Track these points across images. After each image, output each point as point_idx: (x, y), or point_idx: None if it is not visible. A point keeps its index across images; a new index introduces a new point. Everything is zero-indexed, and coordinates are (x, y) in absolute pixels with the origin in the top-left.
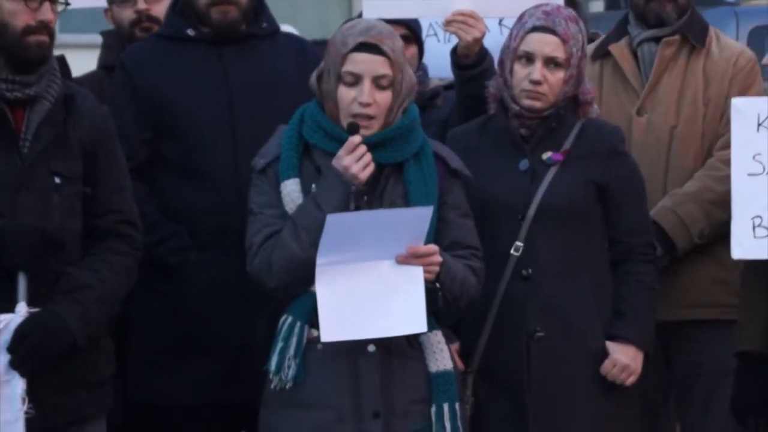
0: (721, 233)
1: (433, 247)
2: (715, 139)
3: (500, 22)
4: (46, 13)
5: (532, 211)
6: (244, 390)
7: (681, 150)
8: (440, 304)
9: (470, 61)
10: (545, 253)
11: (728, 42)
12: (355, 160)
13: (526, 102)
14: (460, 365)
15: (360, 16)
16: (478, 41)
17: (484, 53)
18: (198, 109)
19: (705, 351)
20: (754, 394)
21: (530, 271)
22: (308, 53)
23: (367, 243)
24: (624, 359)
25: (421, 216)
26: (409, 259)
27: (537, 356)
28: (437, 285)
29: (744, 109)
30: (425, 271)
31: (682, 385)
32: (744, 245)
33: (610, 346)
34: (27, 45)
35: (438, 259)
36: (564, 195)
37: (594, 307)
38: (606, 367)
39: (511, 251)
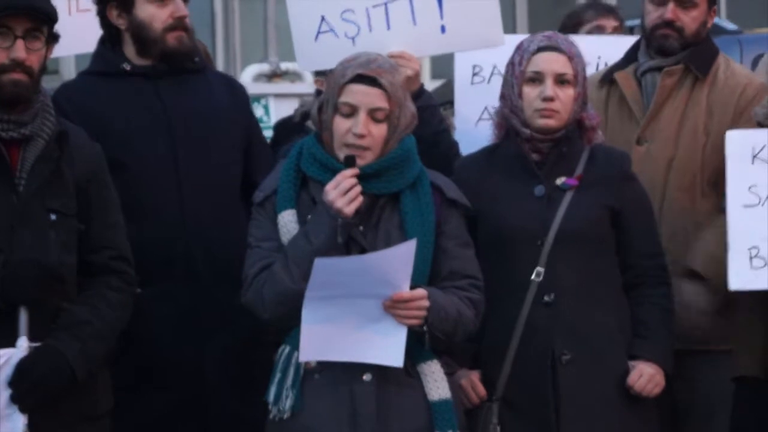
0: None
1: (418, 293)
2: (716, 170)
3: None
4: (19, 51)
5: (551, 237)
6: (197, 424)
7: (677, 181)
8: (427, 346)
9: None
10: (566, 278)
11: (737, 70)
12: (340, 195)
13: (540, 122)
14: (483, 393)
15: None
16: (413, 79)
17: (420, 93)
18: (139, 139)
19: (697, 377)
20: (753, 419)
21: (552, 296)
22: (236, 88)
23: (354, 285)
24: (650, 369)
25: (406, 252)
26: (394, 305)
27: (564, 379)
28: (424, 329)
29: (739, 141)
30: (412, 317)
31: (681, 409)
32: (741, 276)
33: (633, 364)
34: (1, 84)
35: (424, 304)
36: (581, 220)
37: (615, 330)
38: (633, 377)
39: (532, 277)
